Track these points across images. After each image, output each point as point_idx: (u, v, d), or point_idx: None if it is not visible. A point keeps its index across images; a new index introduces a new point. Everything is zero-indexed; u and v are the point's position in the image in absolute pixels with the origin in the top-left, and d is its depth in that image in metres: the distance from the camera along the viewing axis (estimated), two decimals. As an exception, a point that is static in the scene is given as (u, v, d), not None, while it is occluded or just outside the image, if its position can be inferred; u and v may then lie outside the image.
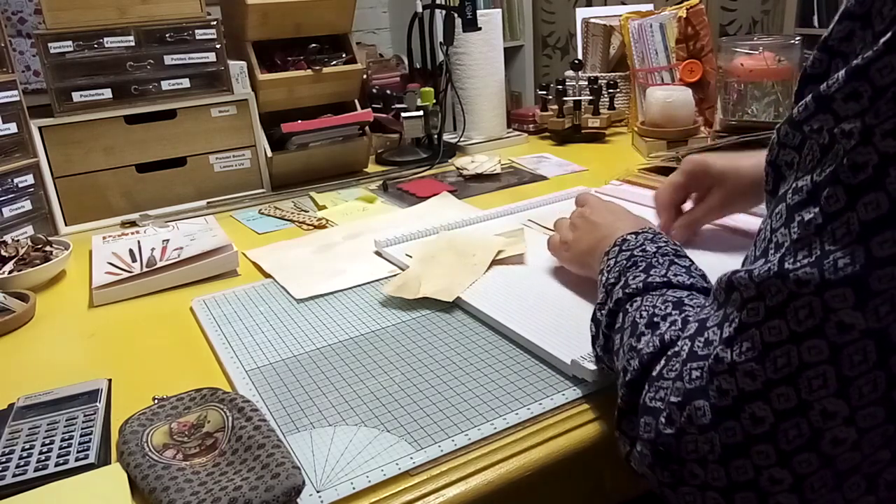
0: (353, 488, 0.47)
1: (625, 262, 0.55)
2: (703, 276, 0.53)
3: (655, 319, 0.45)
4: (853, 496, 0.35)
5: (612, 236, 0.62)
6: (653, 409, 0.40)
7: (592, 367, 0.55)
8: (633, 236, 0.59)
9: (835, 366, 0.33)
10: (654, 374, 0.41)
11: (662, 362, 0.41)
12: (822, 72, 0.36)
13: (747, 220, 0.86)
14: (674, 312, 0.45)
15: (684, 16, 1.33)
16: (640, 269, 0.53)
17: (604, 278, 0.57)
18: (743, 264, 0.40)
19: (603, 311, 0.53)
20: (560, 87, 1.45)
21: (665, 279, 0.50)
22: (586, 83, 1.42)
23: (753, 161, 0.76)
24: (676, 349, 0.41)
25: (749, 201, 0.78)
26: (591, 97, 1.42)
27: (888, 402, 0.33)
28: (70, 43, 1.06)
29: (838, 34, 0.35)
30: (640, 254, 0.55)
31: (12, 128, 1.02)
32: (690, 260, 0.55)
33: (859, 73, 0.32)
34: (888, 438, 0.34)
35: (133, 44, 1.10)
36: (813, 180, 0.34)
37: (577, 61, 1.45)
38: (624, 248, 0.58)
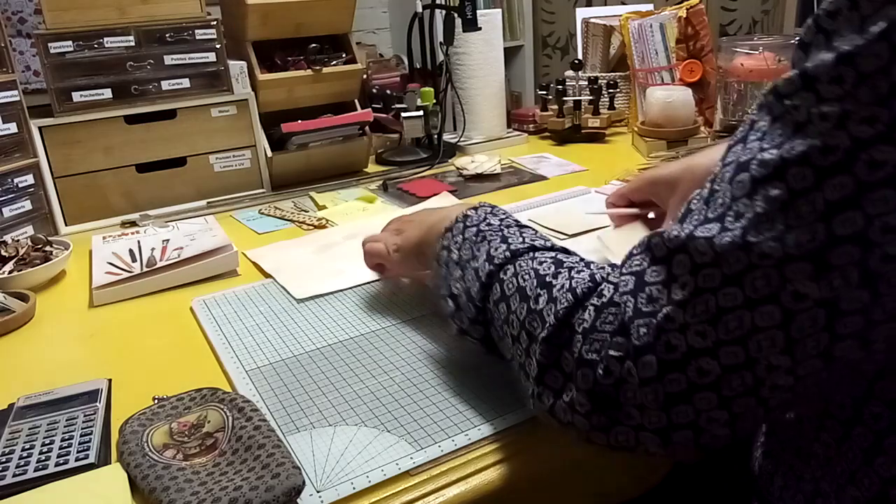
0: (353, 488, 0.47)
1: (474, 237, 0.56)
2: (550, 241, 0.54)
3: (547, 279, 0.46)
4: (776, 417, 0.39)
5: (448, 217, 0.61)
6: (590, 362, 0.40)
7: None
8: (474, 212, 0.59)
9: (784, 330, 0.35)
10: (587, 326, 0.41)
11: (593, 314, 0.41)
12: (809, 41, 0.37)
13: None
14: (562, 270, 0.46)
15: (684, 16, 1.33)
16: (497, 240, 0.53)
17: (454, 255, 0.57)
18: (684, 217, 0.40)
19: (465, 285, 0.54)
20: (560, 87, 1.45)
21: (527, 244, 0.51)
22: (586, 83, 1.42)
23: (707, 159, 0.75)
24: (605, 300, 0.41)
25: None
26: (591, 97, 1.42)
27: (827, 355, 0.36)
28: (70, 43, 1.06)
29: (827, 7, 0.36)
30: (487, 227, 0.56)
31: (12, 128, 1.02)
32: (533, 228, 0.56)
33: (847, 59, 0.33)
34: (820, 381, 0.37)
35: (133, 44, 1.10)
36: (782, 157, 0.35)
37: (577, 61, 1.45)
38: (468, 223, 0.58)
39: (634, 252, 0.42)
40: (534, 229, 0.56)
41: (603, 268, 0.46)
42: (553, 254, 0.50)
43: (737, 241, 0.35)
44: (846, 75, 0.33)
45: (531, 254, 0.50)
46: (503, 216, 0.57)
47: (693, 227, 0.38)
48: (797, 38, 0.38)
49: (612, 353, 0.39)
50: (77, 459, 0.51)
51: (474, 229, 0.57)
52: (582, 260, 0.49)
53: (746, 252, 0.35)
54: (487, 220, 0.57)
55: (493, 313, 0.51)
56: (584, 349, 0.41)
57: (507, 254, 0.51)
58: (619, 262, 0.46)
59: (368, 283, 0.81)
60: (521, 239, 0.53)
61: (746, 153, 0.37)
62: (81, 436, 0.53)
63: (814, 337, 0.35)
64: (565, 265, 0.47)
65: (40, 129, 1.06)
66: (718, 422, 0.38)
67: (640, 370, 0.38)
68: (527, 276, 0.48)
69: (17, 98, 1.02)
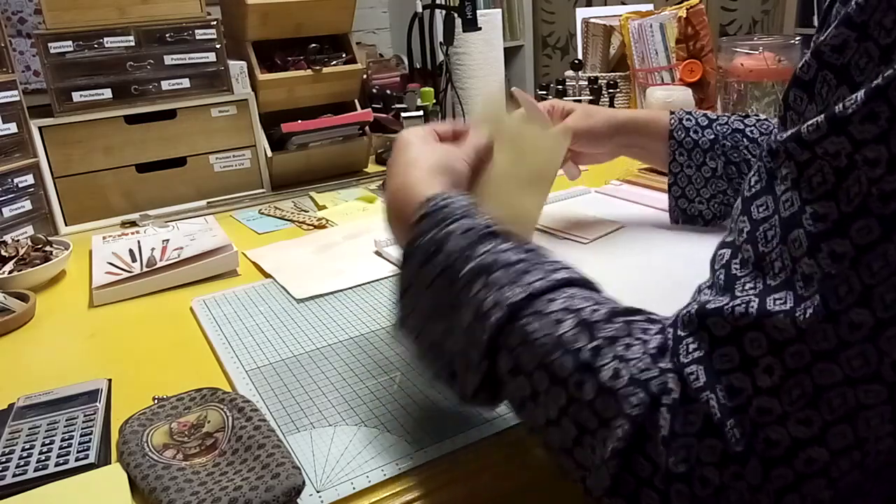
0: (353, 488, 0.47)
1: (441, 281, 0.45)
2: (534, 249, 0.45)
3: (583, 358, 0.38)
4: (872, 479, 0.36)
5: (402, 215, 0.51)
6: (682, 476, 0.35)
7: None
8: (427, 221, 0.47)
9: (892, 404, 0.33)
10: (665, 433, 0.35)
11: (667, 415, 0.35)
12: (810, 79, 0.35)
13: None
14: (600, 343, 0.38)
15: (684, 16, 1.33)
16: (479, 283, 0.43)
17: (424, 300, 0.47)
18: (729, 286, 0.36)
19: (457, 346, 0.45)
20: (560, 87, 1.45)
21: (524, 291, 0.41)
22: (586, 83, 1.43)
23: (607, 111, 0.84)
24: (676, 396, 0.36)
25: (592, 140, 0.83)
26: (591, 97, 1.42)
27: None
28: (70, 43, 1.06)
29: (832, 40, 0.34)
30: (450, 260, 0.45)
31: (12, 128, 1.02)
32: (499, 230, 0.46)
33: (879, 93, 0.31)
34: None
35: (133, 44, 1.10)
36: (841, 210, 0.32)
37: (577, 61, 1.45)
38: (426, 247, 0.46)
39: (681, 334, 0.37)
40: (500, 236, 0.46)
41: (643, 329, 0.39)
42: (562, 302, 0.41)
43: (820, 313, 0.32)
44: (879, 111, 0.31)
45: (534, 304, 0.41)
46: (455, 221, 0.46)
47: (759, 300, 0.34)
48: (795, 69, 0.36)
49: (705, 459, 0.35)
50: (77, 459, 0.51)
51: (439, 261, 0.45)
52: (608, 311, 0.40)
53: (834, 325, 0.32)
54: (447, 241, 0.45)
55: (506, 382, 0.42)
56: (671, 461, 0.35)
57: (502, 313, 0.41)
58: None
59: (368, 283, 0.81)
60: (507, 278, 0.42)
61: (787, 207, 0.34)
62: (81, 436, 0.53)
63: None
64: (597, 331, 0.39)
65: (40, 129, 1.06)
66: (824, 501, 0.34)
67: (747, 477, 0.34)
68: (547, 349, 0.39)
69: (17, 98, 1.02)
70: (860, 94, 0.31)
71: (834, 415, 0.33)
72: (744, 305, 0.34)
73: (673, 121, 0.81)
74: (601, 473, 0.37)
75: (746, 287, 0.35)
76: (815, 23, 2.58)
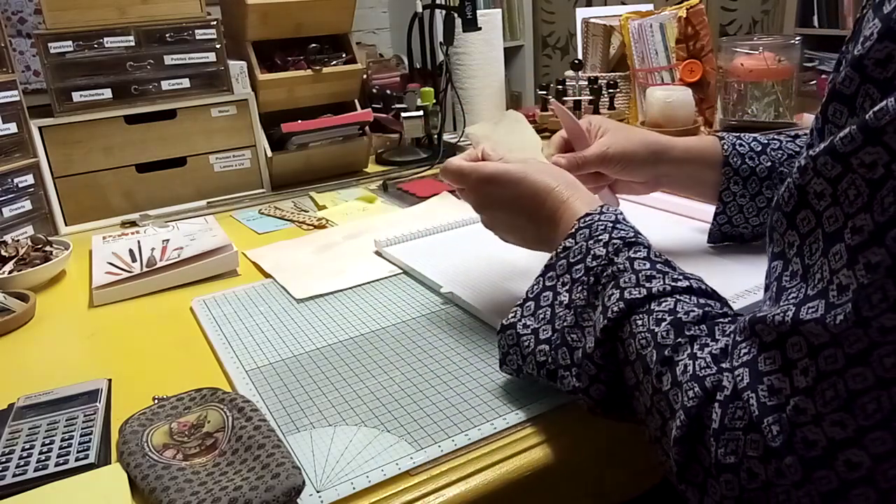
0: (353, 488, 0.47)
1: (585, 277, 0.51)
2: (667, 262, 0.50)
3: (666, 353, 0.43)
4: None
5: (542, 239, 0.59)
6: (730, 466, 0.38)
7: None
8: (573, 241, 0.54)
9: None
10: (716, 426, 0.38)
11: (718, 410, 0.38)
12: (852, 93, 0.35)
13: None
14: (682, 342, 0.43)
15: (684, 16, 1.33)
16: (611, 285, 0.48)
17: (562, 297, 0.52)
18: (778, 296, 0.38)
19: (583, 340, 0.49)
20: (560, 87, 1.45)
21: (644, 291, 0.46)
22: (586, 83, 1.42)
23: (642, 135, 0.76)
24: (728, 393, 0.39)
25: (628, 165, 0.74)
26: (591, 97, 1.42)
27: None
28: (70, 43, 1.06)
29: (875, 54, 0.34)
30: (595, 263, 0.51)
31: (12, 128, 1.02)
32: (643, 241, 0.51)
33: None
34: None
35: (133, 44, 1.10)
36: (875, 220, 0.33)
37: (577, 61, 1.45)
38: (571, 258, 0.53)
39: (738, 339, 0.40)
40: (644, 246, 0.51)
41: (722, 330, 0.43)
42: (671, 303, 0.45)
43: (851, 318, 0.33)
44: None
45: (647, 306, 0.46)
46: (603, 235, 0.52)
47: (794, 308, 0.36)
48: (832, 83, 0.36)
49: (750, 453, 0.37)
50: (77, 459, 0.51)
51: (581, 267, 0.51)
52: (702, 314, 0.44)
53: (865, 328, 0.33)
54: (592, 252, 0.51)
55: (623, 370, 0.47)
56: (720, 452, 0.38)
57: (623, 306, 0.46)
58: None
59: (368, 282, 0.81)
60: (634, 280, 0.47)
61: (832, 223, 0.35)
62: (81, 436, 0.53)
63: None
64: (685, 330, 0.43)
65: (40, 129, 1.06)
66: None
67: (787, 473, 0.35)
68: (644, 342, 0.44)
69: (17, 98, 1.02)
70: (890, 100, 0.32)
71: (870, 420, 0.33)
72: (781, 314, 0.36)
73: (726, 146, 0.74)
74: (669, 453, 0.41)
75: (790, 297, 0.37)
76: (815, 23, 2.58)
